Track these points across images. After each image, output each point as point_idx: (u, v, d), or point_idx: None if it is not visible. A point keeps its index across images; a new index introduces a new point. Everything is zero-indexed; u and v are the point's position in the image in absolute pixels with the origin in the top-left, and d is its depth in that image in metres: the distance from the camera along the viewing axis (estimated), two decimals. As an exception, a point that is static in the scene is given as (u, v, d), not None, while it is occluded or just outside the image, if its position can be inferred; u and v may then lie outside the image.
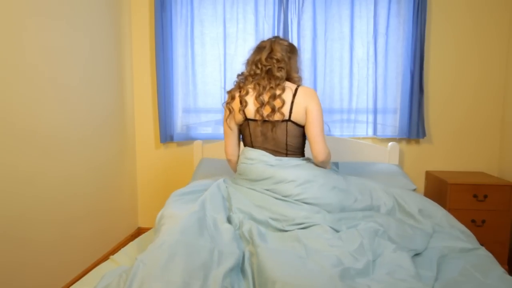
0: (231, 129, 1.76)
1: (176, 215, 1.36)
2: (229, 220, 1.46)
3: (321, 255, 1.20)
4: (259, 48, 1.72)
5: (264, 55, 1.63)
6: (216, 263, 1.14)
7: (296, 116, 1.64)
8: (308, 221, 1.43)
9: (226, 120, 1.75)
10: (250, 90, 1.66)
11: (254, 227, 1.36)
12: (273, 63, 1.62)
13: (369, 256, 1.24)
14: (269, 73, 1.63)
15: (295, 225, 1.43)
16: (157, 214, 1.46)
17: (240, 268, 1.20)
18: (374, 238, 1.36)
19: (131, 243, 1.55)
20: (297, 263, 1.15)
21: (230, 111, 1.71)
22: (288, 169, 1.60)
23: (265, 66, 1.63)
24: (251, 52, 1.75)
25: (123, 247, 1.66)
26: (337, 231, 1.42)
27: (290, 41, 2.19)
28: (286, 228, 1.43)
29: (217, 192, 1.56)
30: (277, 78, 1.61)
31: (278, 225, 1.45)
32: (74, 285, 1.24)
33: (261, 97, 1.61)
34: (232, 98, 1.70)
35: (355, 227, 1.45)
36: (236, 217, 1.46)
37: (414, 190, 2.37)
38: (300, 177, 1.56)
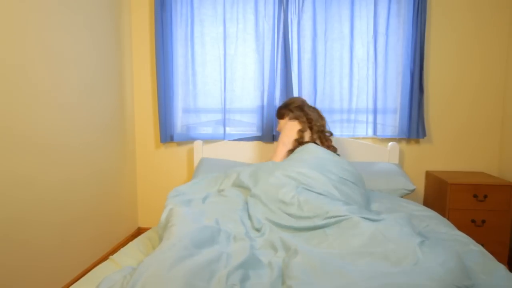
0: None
1: (185, 216, 1.40)
2: (255, 228, 1.53)
3: (359, 267, 1.18)
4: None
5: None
6: (224, 265, 1.15)
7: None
8: (341, 214, 1.45)
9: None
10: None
11: (280, 236, 1.41)
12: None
13: (417, 252, 1.18)
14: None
15: (328, 218, 1.46)
16: (162, 215, 1.49)
17: (252, 264, 1.22)
18: (410, 224, 1.36)
19: (130, 243, 1.55)
20: (338, 267, 1.15)
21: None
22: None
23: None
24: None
25: (123, 247, 1.66)
26: (370, 219, 1.41)
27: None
28: (317, 223, 1.46)
29: (236, 203, 1.66)
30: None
31: (307, 222, 1.49)
32: (74, 285, 1.23)
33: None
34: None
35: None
36: (260, 224, 1.52)
37: (414, 190, 2.37)
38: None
